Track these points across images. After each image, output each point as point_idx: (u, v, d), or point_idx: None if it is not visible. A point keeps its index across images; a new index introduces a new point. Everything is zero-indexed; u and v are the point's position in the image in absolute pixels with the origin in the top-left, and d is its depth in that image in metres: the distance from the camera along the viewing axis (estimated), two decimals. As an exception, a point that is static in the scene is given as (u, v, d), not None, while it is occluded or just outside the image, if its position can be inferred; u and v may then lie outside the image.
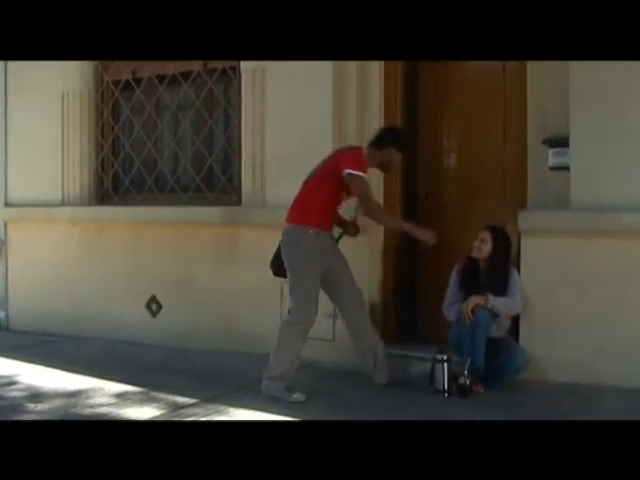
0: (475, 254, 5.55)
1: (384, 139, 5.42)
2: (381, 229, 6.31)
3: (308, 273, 5.24)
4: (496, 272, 5.48)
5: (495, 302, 5.35)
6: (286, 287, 5.48)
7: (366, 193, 5.27)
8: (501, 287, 5.43)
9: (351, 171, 5.17)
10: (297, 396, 5.15)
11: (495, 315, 5.39)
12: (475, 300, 5.37)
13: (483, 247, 5.51)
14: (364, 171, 5.22)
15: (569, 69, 5.45)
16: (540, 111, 5.81)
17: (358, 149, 5.44)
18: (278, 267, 5.39)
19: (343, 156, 5.33)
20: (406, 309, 6.56)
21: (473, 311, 5.33)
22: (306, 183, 5.39)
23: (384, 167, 5.52)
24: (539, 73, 5.75)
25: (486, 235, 5.53)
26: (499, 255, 5.51)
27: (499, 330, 5.48)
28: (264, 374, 5.27)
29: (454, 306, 5.53)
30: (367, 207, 5.35)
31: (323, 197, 5.29)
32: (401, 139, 5.49)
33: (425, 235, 5.34)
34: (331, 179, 5.26)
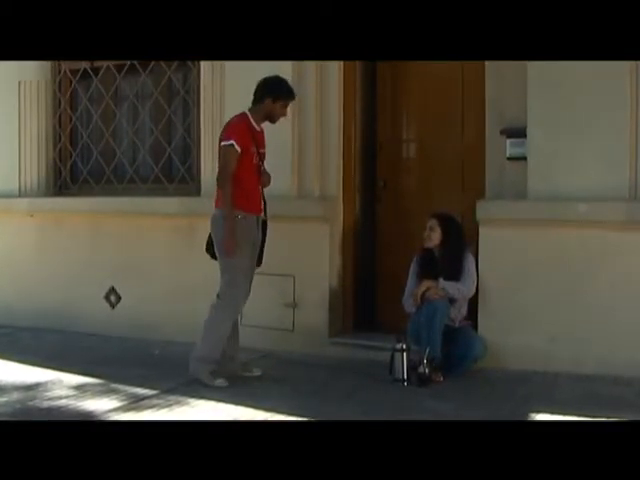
0: (427, 244, 5.61)
1: (259, 93, 5.38)
2: (340, 218, 6.35)
3: (237, 258, 5.25)
4: (450, 258, 5.54)
5: (445, 285, 5.42)
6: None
7: (224, 165, 5.26)
8: (456, 272, 5.48)
9: (222, 142, 5.27)
10: (220, 382, 5.24)
11: (451, 301, 5.45)
12: (426, 284, 5.43)
13: (432, 235, 5.57)
14: (234, 137, 5.21)
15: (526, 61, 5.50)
16: (498, 102, 5.86)
17: (237, 116, 5.41)
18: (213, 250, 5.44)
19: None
20: (365, 298, 6.59)
21: (423, 296, 5.39)
22: None
23: (270, 119, 5.46)
24: (497, 64, 5.78)
25: (433, 223, 5.58)
26: (451, 241, 5.56)
27: (457, 316, 5.54)
28: (190, 355, 5.35)
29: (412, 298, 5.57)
30: (218, 177, 5.31)
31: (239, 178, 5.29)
32: (274, 89, 5.37)
33: (227, 245, 5.22)
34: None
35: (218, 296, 5.37)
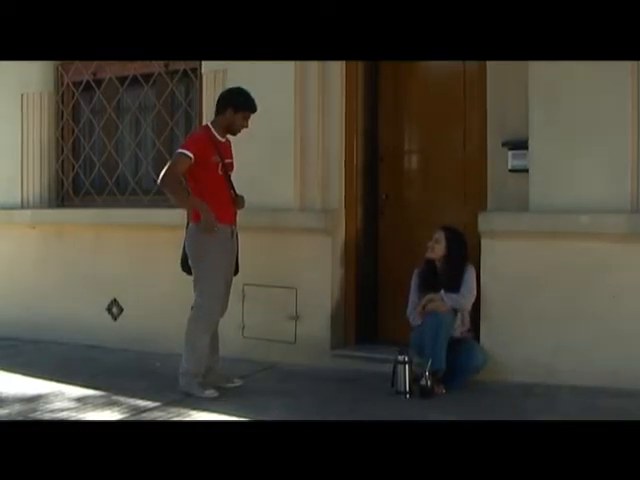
0: (429, 254, 5.62)
1: (221, 104, 5.45)
2: (342, 230, 6.34)
3: (212, 269, 5.28)
4: (451, 271, 5.56)
5: (445, 297, 5.44)
6: (247, 289, 5.50)
7: (169, 166, 5.27)
8: (456, 285, 5.50)
9: (177, 150, 5.34)
10: (209, 392, 5.26)
11: (455, 311, 5.47)
12: (428, 298, 5.47)
13: (437, 247, 5.59)
14: (190, 147, 5.25)
15: (528, 71, 5.51)
16: (499, 113, 5.87)
17: (199, 129, 5.54)
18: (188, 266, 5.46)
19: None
20: (367, 310, 6.58)
21: (424, 307, 5.44)
22: None
23: (230, 130, 5.49)
24: (498, 75, 5.81)
25: (440, 235, 5.60)
26: (453, 254, 5.58)
27: (459, 326, 5.55)
28: (178, 371, 5.38)
29: (416, 310, 5.57)
30: (161, 176, 5.28)
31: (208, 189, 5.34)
32: (235, 100, 5.41)
33: (206, 222, 5.23)
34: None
35: (192, 308, 5.37)
